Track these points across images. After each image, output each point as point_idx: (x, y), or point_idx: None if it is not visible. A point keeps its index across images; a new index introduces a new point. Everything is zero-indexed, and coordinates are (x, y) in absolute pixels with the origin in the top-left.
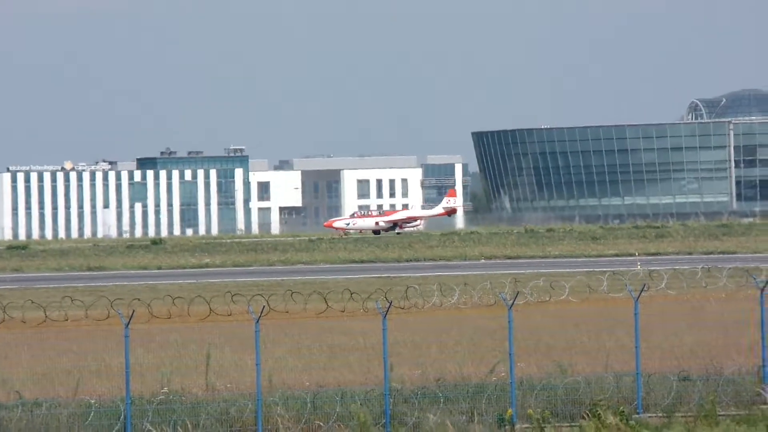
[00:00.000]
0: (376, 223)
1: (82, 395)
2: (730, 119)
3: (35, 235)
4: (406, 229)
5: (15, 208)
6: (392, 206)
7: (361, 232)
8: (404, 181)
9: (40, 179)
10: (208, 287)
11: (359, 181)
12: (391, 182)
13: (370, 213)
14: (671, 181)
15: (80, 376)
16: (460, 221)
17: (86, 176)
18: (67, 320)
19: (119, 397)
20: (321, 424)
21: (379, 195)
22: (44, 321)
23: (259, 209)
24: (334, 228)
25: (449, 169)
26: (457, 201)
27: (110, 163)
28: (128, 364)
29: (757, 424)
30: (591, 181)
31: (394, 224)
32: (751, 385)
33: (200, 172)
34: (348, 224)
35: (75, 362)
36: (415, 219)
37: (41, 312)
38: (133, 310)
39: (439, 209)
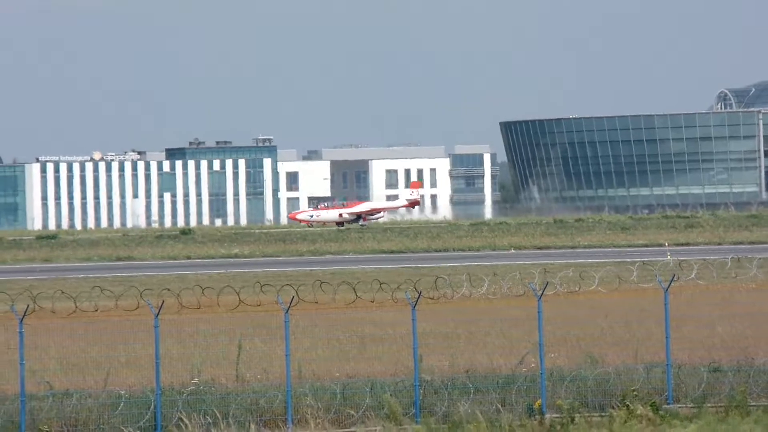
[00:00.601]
0: (340, 215)
1: (112, 386)
2: (759, 109)
3: (64, 225)
4: (369, 222)
5: (44, 199)
6: (421, 196)
7: (324, 224)
8: (432, 171)
9: (69, 169)
10: (237, 277)
11: (388, 171)
12: (420, 172)
13: (334, 205)
14: (700, 171)
15: (110, 366)
16: (488, 211)
17: (115, 166)
18: (96, 310)
19: (149, 387)
20: (352, 412)
21: (408, 185)
22: (74, 311)
23: (288, 199)
24: (297, 220)
25: (477, 159)
26: (421, 193)
27: (139, 153)
28: (158, 354)
29: None
30: (620, 171)
31: (358, 216)
32: None
33: (229, 162)
34: (312, 216)
35: (105, 353)
36: (378, 211)
37: (71, 302)
38: (163, 301)
39: (402, 201)
